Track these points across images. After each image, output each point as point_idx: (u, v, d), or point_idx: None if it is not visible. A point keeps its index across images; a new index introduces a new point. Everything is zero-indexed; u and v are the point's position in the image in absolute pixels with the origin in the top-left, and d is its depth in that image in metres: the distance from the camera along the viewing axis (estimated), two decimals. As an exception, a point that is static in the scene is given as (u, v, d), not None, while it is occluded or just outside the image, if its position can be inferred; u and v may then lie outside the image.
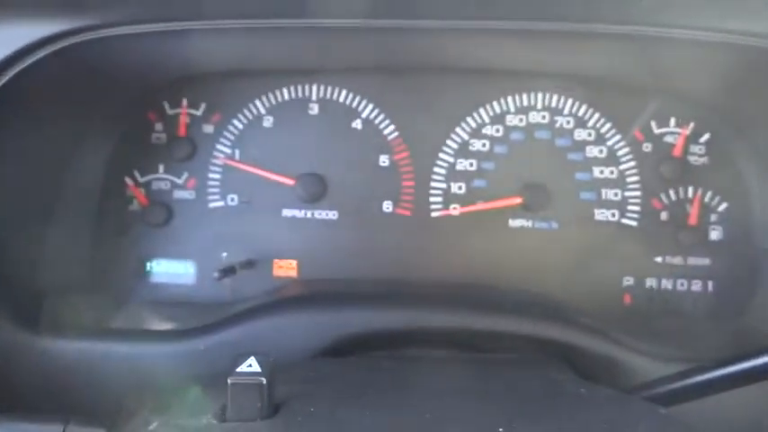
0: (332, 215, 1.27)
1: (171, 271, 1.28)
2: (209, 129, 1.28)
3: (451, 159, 1.26)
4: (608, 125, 1.25)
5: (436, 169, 1.27)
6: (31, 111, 1.04)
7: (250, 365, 0.66)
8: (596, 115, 1.25)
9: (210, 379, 0.74)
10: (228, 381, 0.65)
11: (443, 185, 1.27)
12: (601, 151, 1.25)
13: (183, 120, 1.28)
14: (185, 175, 1.28)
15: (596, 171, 1.25)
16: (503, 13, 0.97)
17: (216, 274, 1.17)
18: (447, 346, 1.02)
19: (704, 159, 1.24)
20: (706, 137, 1.23)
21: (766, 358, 0.77)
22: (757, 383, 0.81)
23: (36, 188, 1.12)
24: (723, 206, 1.23)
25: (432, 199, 1.27)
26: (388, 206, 1.27)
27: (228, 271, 1.18)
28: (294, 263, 1.27)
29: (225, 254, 1.25)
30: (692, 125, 1.24)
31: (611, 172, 1.25)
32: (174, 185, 1.28)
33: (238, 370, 0.65)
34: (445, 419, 0.63)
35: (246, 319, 1.04)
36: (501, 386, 0.75)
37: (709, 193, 1.23)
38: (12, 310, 1.04)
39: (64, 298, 1.17)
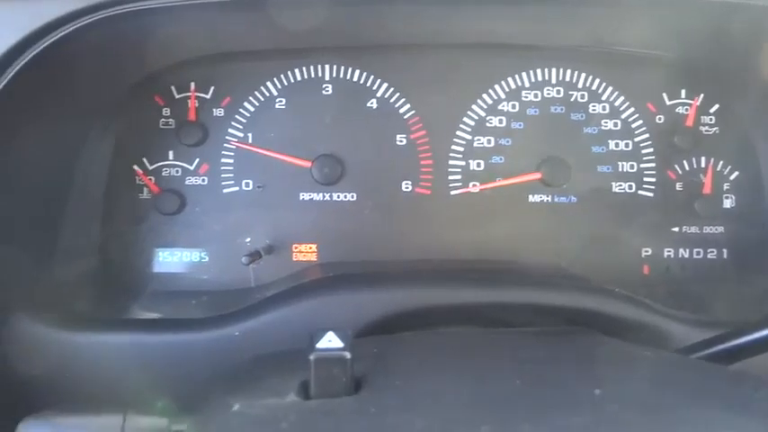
0: (350, 197, 1.25)
1: (185, 259, 1.24)
2: (219, 112, 1.24)
3: (469, 137, 1.26)
4: (621, 98, 1.26)
5: (454, 147, 1.26)
6: (38, 100, 0.99)
7: (330, 341, 0.64)
8: (610, 88, 1.26)
9: (275, 357, 0.72)
10: (311, 357, 0.62)
11: (462, 163, 1.26)
12: (615, 124, 1.26)
13: (192, 104, 1.24)
14: (197, 161, 1.24)
15: (612, 144, 1.26)
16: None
17: (244, 259, 1.14)
18: (478, 323, 1.01)
19: (715, 129, 1.26)
20: (715, 107, 1.26)
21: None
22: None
23: (47, 180, 1.07)
24: (734, 174, 1.26)
25: (450, 177, 1.26)
26: (407, 186, 1.25)
27: (255, 256, 1.15)
28: (314, 246, 1.25)
29: (248, 239, 1.22)
30: (701, 96, 1.26)
31: (627, 144, 1.26)
32: (186, 172, 1.24)
33: (318, 346, 0.63)
34: (538, 385, 0.62)
35: (281, 304, 1.01)
36: (571, 354, 0.75)
37: (721, 163, 1.26)
38: (30, 305, 0.99)
39: (78, 290, 1.13)
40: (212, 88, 1.24)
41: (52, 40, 0.85)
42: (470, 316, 1.01)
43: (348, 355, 0.62)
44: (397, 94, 1.25)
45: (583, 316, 1.00)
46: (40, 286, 1.04)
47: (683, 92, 1.26)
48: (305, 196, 1.25)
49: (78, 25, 0.85)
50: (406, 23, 1.16)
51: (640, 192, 1.26)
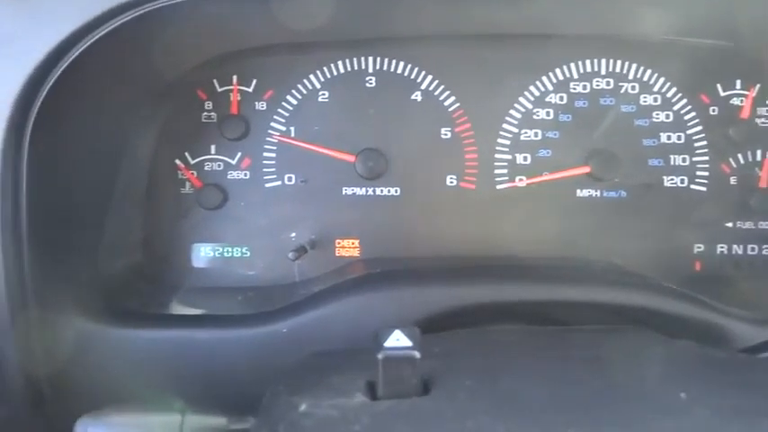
0: (394, 191, 1.23)
1: (227, 255, 1.23)
2: (261, 106, 1.23)
3: (515, 129, 1.23)
4: (674, 89, 1.22)
5: (500, 140, 1.23)
6: (88, 92, 0.98)
7: (397, 339, 0.62)
8: (662, 79, 1.22)
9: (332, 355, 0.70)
10: (379, 356, 0.60)
11: (508, 157, 1.23)
12: (667, 116, 1.22)
13: (235, 97, 1.22)
14: (239, 155, 1.23)
15: (663, 137, 1.22)
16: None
17: (291, 255, 1.13)
18: (527, 321, 0.99)
19: (772, 121, 1.22)
20: (773, 98, 1.22)
21: None
22: None
23: (93, 175, 1.06)
24: (791, 168, 1.22)
25: (496, 171, 1.23)
26: (451, 180, 1.23)
27: (301, 251, 1.13)
28: (356, 242, 1.23)
29: (293, 234, 1.21)
30: (757, 86, 1.21)
31: (679, 137, 1.22)
32: (228, 166, 1.23)
33: (386, 345, 0.61)
34: (617, 386, 0.60)
35: (328, 300, 0.99)
36: (641, 354, 0.72)
37: (777, 156, 1.22)
38: (79, 301, 0.99)
39: (122, 286, 1.12)
40: (254, 81, 1.22)
41: (109, 29, 0.84)
42: (520, 314, 0.98)
43: (417, 354, 0.60)
44: (442, 87, 1.22)
45: (640, 314, 0.97)
46: (86, 282, 1.03)
47: (738, 82, 1.22)
48: (348, 191, 1.23)
49: (133, 15, 0.83)
50: (451, 13, 1.13)
51: (693, 186, 1.22)
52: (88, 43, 0.87)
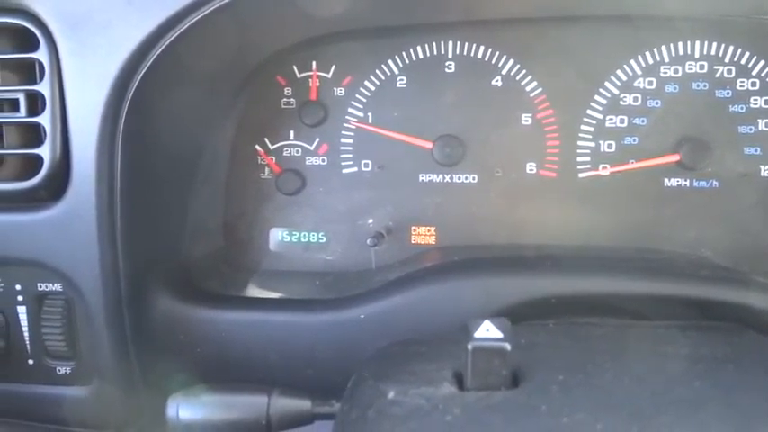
0: (471, 179, 1.21)
1: (304, 240, 1.24)
2: (340, 92, 1.23)
3: (600, 116, 1.18)
4: (774, 73, 1.15)
5: (583, 127, 1.19)
6: (176, 80, 1.00)
7: (487, 330, 0.60)
8: (761, 62, 1.15)
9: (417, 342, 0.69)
10: (469, 346, 0.59)
11: (591, 144, 1.19)
12: (767, 102, 1.15)
13: (314, 83, 1.23)
14: (317, 141, 1.23)
15: (762, 123, 1.15)
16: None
17: (369, 241, 1.13)
18: (612, 314, 0.95)
19: None
20: None
21: None
22: None
23: (177, 161, 1.09)
24: None
25: (579, 159, 1.19)
26: (531, 168, 1.20)
27: (378, 237, 1.14)
28: (432, 229, 1.22)
29: (371, 221, 1.21)
30: None
31: (779, 123, 1.15)
32: (306, 152, 1.24)
33: (476, 335, 0.60)
34: (720, 387, 0.57)
35: (407, 288, 0.99)
36: (741, 353, 0.69)
37: None
38: (166, 282, 1.02)
39: (205, 269, 1.15)
40: (333, 67, 1.22)
41: (198, 17, 0.85)
42: (606, 307, 0.95)
43: (508, 346, 0.59)
44: (524, 72, 1.19)
45: (733, 310, 0.92)
46: (171, 265, 1.07)
47: None
48: (425, 178, 1.21)
49: (222, 3, 0.85)
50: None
51: (793, 176, 1.15)
52: (180, 31, 0.89)
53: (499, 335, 0.60)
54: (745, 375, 0.61)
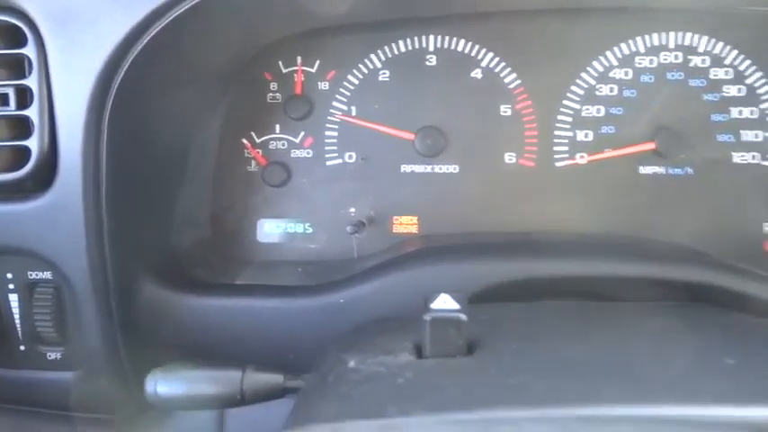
0: (452, 169, 1.24)
1: (290, 230, 1.28)
2: (324, 86, 1.26)
3: (577, 106, 1.21)
4: (747, 62, 1.17)
5: (561, 117, 1.22)
6: (163, 72, 1.03)
7: (444, 302, 0.63)
8: (734, 52, 1.17)
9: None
10: (426, 317, 0.62)
11: (569, 133, 1.21)
12: (739, 90, 1.18)
13: (299, 78, 1.26)
14: (302, 134, 1.27)
15: (734, 111, 1.18)
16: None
17: (349, 228, 1.16)
18: (583, 297, 0.97)
19: None
20: None
21: None
22: None
23: (165, 153, 1.12)
24: None
25: (556, 148, 1.22)
26: (510, 157, 1.23)
27: (359, 226, 1.17)
28: (414, 219, 1.25)
29: (353, 210, 1.24)
30: (837, 58, 1.15)
31: (751, 112, 1.17)
32: (292, 144, 1.27)
33: (433, 307, 0.63)
34: (664, 355, 0.59)
35: (385, 273, 1.02)
36: (693, 325, 0.71)
37: None
38: (154, 270, 1.05)
39: (193, 259, 1.18)
40: (317, 62, 1.26)
41: (181, 11, 0.88)
42: (576, 290, 0.97)
43: (464, 316, 0.62)
44: (503, 64, 1.22)
45: (704, 291, 0.94)
46: (158, 254, 1.10)
47: (817, 54, 1.16)
48: (407, 168, 1.24)
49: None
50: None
51: (764, 162, 1.17)
52: (162, 25, 0.92)
53: (456, 306, 0.63)
54: (690, 343, 0.64)
